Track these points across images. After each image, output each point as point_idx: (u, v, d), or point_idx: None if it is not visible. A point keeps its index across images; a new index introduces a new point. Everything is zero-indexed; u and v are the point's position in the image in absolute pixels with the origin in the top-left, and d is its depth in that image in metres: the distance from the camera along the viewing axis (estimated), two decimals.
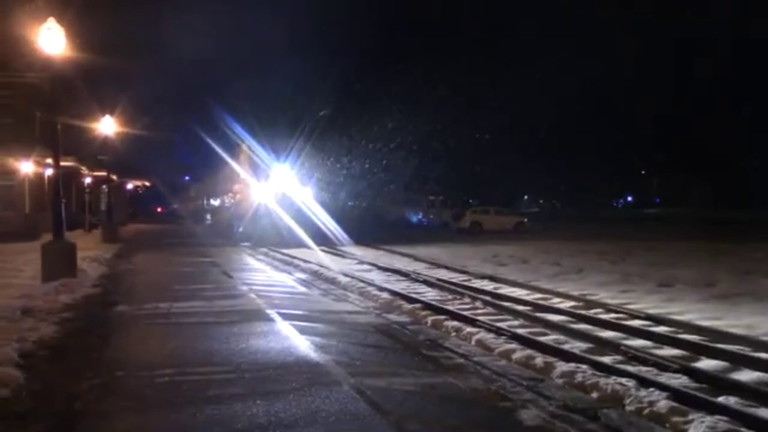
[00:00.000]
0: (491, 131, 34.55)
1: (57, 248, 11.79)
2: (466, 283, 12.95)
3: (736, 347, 7.17)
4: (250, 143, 32.57)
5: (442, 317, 8.74)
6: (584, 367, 5.99)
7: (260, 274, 14.38)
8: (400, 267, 16.13)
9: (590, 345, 7.47)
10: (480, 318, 8.83)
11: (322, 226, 25.81)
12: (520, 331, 8.09)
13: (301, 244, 23.17)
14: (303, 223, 25.44)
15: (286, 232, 25.11)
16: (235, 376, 5.38)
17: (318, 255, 19.70)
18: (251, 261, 18.39)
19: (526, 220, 37.68)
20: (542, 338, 7.71)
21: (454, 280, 13.45)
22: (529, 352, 6.64)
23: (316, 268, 15.36)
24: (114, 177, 33.89)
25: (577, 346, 7.36)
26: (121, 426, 4.24)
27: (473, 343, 7.27)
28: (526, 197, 79.75)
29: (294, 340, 6.83)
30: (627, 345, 7.23)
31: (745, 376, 6.23)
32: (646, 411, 4.80)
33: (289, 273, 15.00)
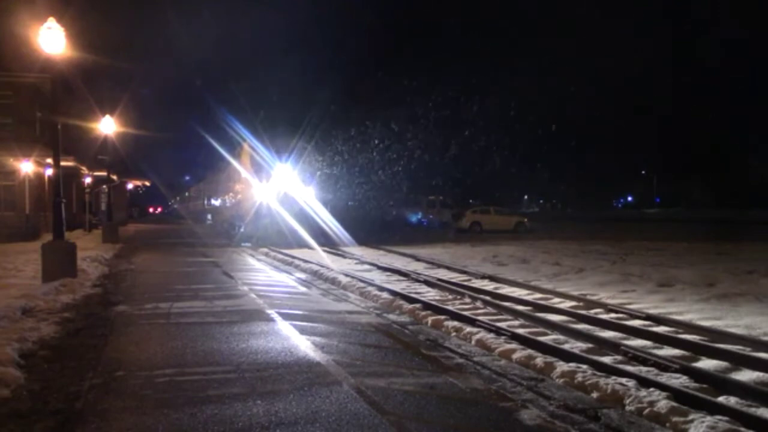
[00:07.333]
0: (491, 131, 34.66)
1: (57, 248, 11.80)
2: (466, 283, 12.95)
3: (737, 347, 7.18)
4: (251, 142, 32.55)
5: (443, 317, 8.73)
6: (584, 367, 5.98)
7: (261, 274, 14.38)
8: (400, 267, 16.13)
9: (590, 345, 7.47)
10: (480, 318, 8.83)
11: (323, 226, 25.84)
12: (520, 331, 8.09)
13: (301, 244, 23.22)
14: (304, 223, 25.46)
15: (287, 232, 25.12)
16: (236, 376, 5.40)
17: (318, 255, 19.73)
18: (252, 261, 18.39)
19: (526, 220, 37.73)
20: (542, 338, 7.71)
21: (454, 280, 13.45)
22: (529, 352, 6.63)
23: (317, 268, 15.35)
24: (114, 177, 33.85)
25: (577, 346, 7.36)
26: (121, 426, 4.23)
27: (473, 343, 7.27)
28: (526, 197, 79.89)
29: (294, 340, 6.84)
30: (627, 345, 7.23)
31: (746, 376, 6.24)
32: (647, 411, 4.79)
33: (290, 273, 15.00)
